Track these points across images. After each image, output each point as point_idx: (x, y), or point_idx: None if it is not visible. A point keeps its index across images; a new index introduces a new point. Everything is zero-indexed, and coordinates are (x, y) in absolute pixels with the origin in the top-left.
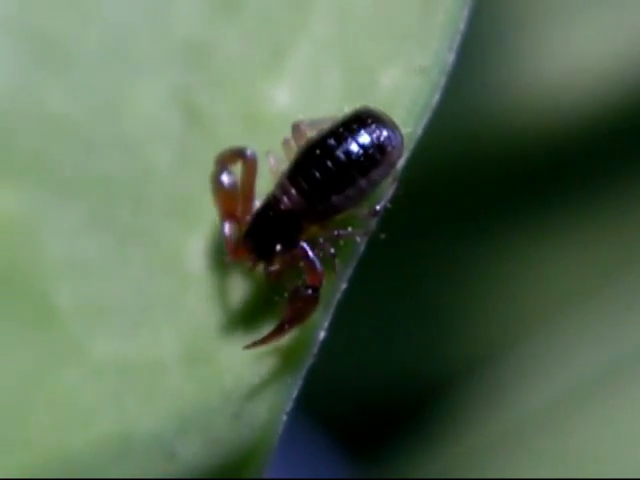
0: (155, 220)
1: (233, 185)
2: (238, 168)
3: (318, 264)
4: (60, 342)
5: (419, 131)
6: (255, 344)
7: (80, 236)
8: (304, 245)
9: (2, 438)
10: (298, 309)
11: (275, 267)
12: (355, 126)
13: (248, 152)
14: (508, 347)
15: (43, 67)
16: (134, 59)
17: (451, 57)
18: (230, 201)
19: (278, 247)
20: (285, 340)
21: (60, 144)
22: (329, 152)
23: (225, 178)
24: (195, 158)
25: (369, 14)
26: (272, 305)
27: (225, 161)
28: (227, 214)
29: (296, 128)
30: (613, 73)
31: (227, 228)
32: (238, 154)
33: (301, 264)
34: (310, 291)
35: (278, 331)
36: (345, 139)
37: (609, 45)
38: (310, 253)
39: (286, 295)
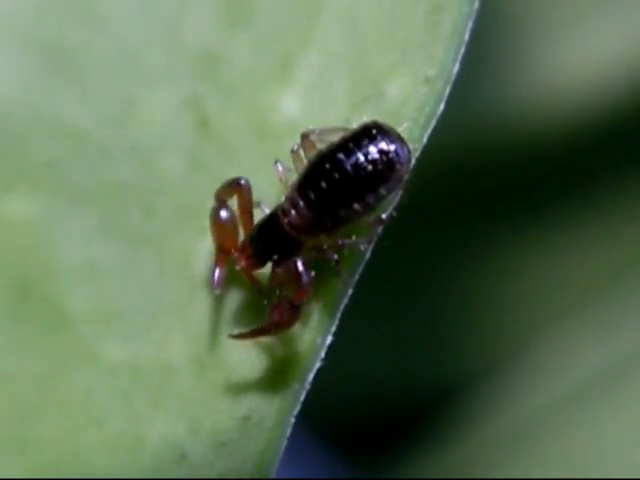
0: (166, 226)
1: (231, 220)
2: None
3: (306, 281)
4: (73, 345)
5: (424, 140)
6: (240, 336)
7: (92, 242)
8: (298, 260)
9: (17, 438)
10: (278, 319)
11: (280, 271)
12: (365, 142)
13: (242, 182)
14: (511, 352)
15: (57, 76)
16: (146, 69)
17: (456, 67)
18: (227, 236)
19: (278, 256)
20: (294, 344)
21: (73, 152)
22: (339, 167)
23: (224, 213)
24: (205, 166)
25: (377, 25)
26: None
27: (223, 195)
28: (222, 248)
29: (305, 138)
30: (615, 78)
31: (219, 263)
32: (233, 186)
33: (290, 278)
34: (291, 306)
35: (261, 332)
36: (355, 155)
37: (610, 51)
38: (300, 269)
39: (274, 300)
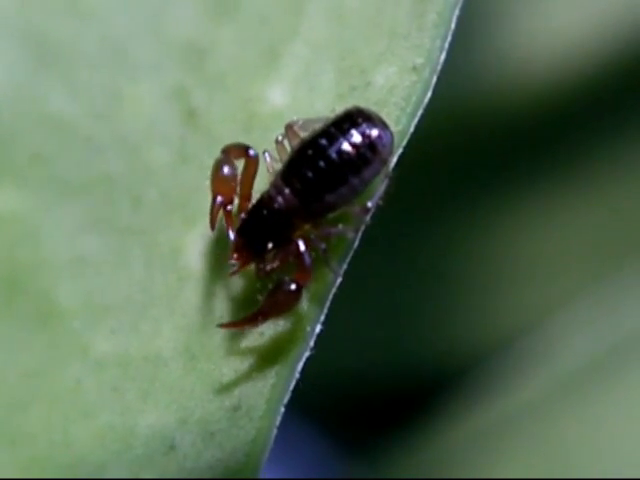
0: (154, 218)
1: (232, 174)
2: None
3: (309, 262)
4: (62, 338)
5: (411, 128)
6: (228, 325)
7: (81, 234)
8: (299, 242)
9: (7, 432)
10: (277, 301)
11: (266, 266)
12: (346, 125)
13: (251, 152)
14: (506, 338)
15: (44, 69)
16: (133, 60)
17: (443, 55)
18: (225, 186)
19: (270, 245)
20: (283, 334)
21: (60, 144)
22: (321, 152)
23: (226, 166)
24: (193, 157)
25: (362, 15)
26: None
27: (230, 152)
28: (220, 194)
29: (289, 128)
30: (594, 47)
31: (216, 206)
32: (243, 150)
33: (292, 260)
34: (294, 286)
35: (251, 320)
36: (337, 139)
37: (585, 24)
38: (303, 249)
39: (270, 286)
